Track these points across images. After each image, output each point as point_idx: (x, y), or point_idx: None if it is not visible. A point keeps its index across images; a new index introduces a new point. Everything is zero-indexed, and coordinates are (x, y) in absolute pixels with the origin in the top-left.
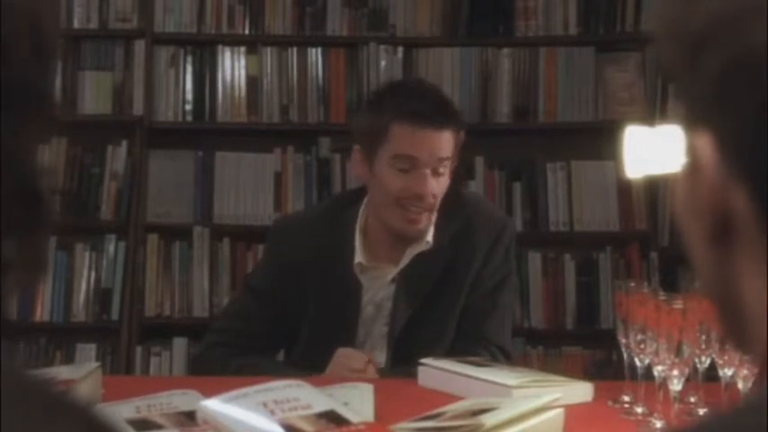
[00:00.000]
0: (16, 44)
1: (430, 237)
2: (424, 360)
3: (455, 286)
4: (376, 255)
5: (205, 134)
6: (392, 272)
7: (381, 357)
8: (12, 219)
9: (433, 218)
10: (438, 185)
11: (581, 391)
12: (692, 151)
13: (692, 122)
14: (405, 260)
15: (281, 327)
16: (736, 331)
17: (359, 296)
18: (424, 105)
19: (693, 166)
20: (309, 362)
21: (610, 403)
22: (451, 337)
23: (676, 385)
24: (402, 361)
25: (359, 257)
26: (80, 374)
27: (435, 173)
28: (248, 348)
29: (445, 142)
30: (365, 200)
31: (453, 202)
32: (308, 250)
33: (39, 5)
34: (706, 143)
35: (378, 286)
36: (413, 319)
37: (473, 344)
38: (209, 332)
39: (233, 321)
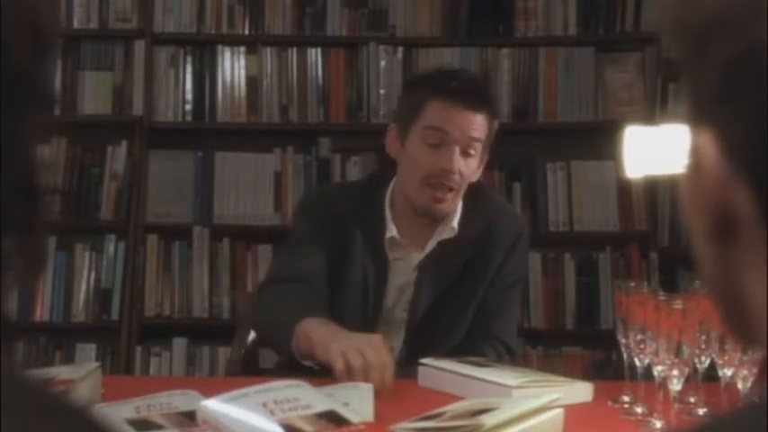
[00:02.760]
0: (16, 43)
1: (455, 223)
2: (424, 360)
3: (476, 279)
4: (404, 235)
5: (205, 134)
6: (418, 257)
7: (398, 343)
8: (11, 216)
9: (458, 202)
10: (466, 166)
11: (581, 391)
12: (695, 148)
13: (695, 119)
14: (430, 246)
15: (324, 274)
16: (739, 328)
17: (386, 275)
18: (459, 86)
19: (697, 163)
20: None
21: (610, 403)
22: (465, 331)
23: (676, 385)
24: (417, 349)
25: (391, 231)
26: (80, 374)
27: (465, 153)
28: (301, 286)
29: (477, 124)
30: (393, 180)
31: (481, 196)
32: (347, 210)
33: (38, 3)
34: (709, 140)
35: (403, 271)
36: (433, 306)
37: (481, 340)
38: (259, 289)
39: (280, 266)
